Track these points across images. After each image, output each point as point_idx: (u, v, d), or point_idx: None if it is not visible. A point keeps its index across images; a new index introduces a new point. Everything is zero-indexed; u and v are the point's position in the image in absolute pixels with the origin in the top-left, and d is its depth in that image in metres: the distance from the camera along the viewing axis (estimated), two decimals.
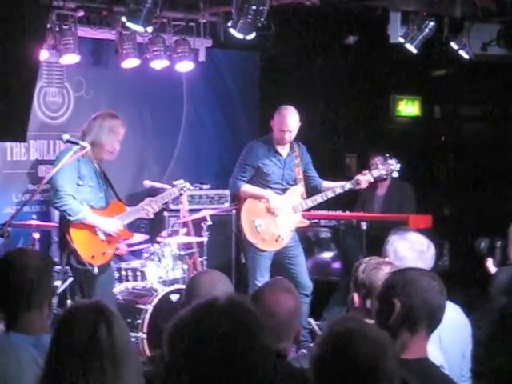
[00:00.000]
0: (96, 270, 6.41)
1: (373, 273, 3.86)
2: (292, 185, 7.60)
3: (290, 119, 7.40)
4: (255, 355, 2.15)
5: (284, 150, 7.57)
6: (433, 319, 3.10)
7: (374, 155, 8.49)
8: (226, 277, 4.05)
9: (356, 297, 3.87)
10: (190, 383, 2.13)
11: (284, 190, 7.57)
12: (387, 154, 7.77)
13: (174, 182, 7.14)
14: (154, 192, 7.46)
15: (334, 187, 7.54)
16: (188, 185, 7.13)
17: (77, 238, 6.40)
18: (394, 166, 7.67)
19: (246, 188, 7.50)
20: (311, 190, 7.65)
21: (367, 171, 7.56)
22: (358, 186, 7.48)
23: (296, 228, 7.65)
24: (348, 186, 7.49)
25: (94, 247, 6.50)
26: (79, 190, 6.41)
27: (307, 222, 7.74)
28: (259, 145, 7.60)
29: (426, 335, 3.10)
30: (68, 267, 6.43)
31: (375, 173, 7.58)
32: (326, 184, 7.62)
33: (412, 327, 3.06)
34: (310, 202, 7.56)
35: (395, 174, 7.83)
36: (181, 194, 7.13)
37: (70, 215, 6.33)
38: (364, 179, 7.45)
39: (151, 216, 6.90)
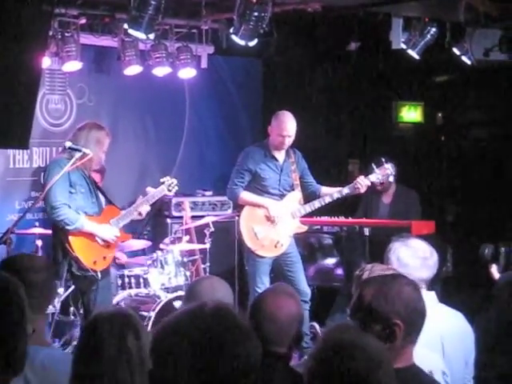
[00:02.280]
0: (99, 275, 6.46)
1: None
2: (289, 191, 7.58)
3: (289, 124, 7.40)
4: (240, 362, 2.14)
5: (280, 156, 7.57)
6: (422, 326, 3.04)
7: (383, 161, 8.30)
8: (226, 283, 4.05)
9: None
10: None
11: (281, 196, 7.55)
12: (383, 159, 7.76)
13: (161, 180, 7.14)
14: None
15: (331, 193, 7.53)
16: (175, 181, 7.11)
17: (77, 245, 6.44)
18: (390, 170, 7.65)
19: (245, 196, 7.49)
20: (308, 196, 7.64)
21: (363, 176, 7.56)
22: (357, 190, 7.47)
23: (296, 234, 7.65)
24: (345, 190, 7.49)
25: (95, 253, 6.54)
26: (72, 198, 6.47)
27: (305, 228, 7.73)
28: (255, 150, 7.60)
29: (415, 342, 3.03)
30: (69, 275, 6.46)
31: (372, 177, 7.57)
32: (325, 190, 7.61)
33: (409, 338, 2.98)
34: (309, 208, 7.55)
35: (391, 179, 7.82)
36: (169, 191, 7.12)
37: (67, 224, 6.37)
38: (362, 184, 7.44)
39: (143, 216, 6.95)
